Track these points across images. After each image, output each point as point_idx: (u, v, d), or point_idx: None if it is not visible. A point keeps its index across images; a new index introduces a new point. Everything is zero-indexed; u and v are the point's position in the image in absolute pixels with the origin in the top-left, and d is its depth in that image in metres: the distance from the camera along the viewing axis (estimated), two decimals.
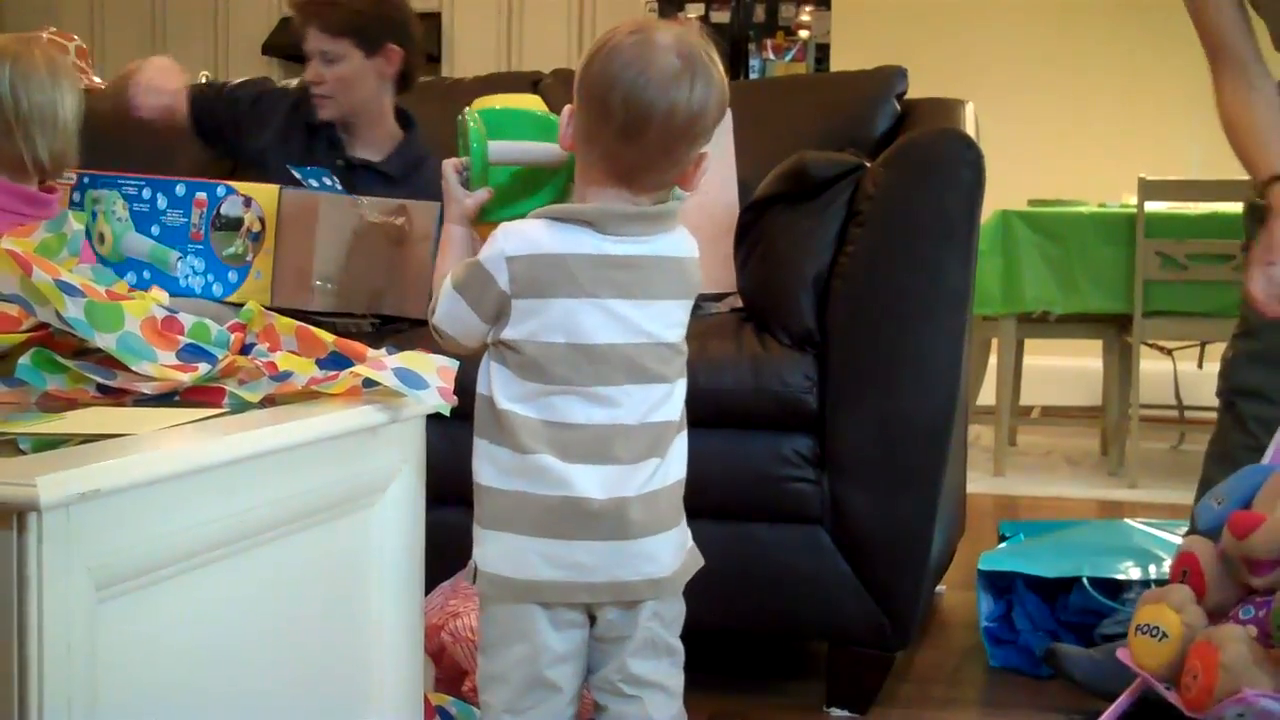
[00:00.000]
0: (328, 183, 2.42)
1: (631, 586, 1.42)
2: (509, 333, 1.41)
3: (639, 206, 1.42)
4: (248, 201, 2.33)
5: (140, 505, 1.05)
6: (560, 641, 1.43)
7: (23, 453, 1.10)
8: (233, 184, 2.36)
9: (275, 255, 2.31)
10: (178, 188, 2.37)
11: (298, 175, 2.39)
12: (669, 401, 1.44)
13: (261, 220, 2.31)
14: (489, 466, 1.43)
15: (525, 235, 1.40)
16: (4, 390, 1.35)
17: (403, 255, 2.37)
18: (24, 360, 1.35)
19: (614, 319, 1.40)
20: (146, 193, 2.39)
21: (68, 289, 1.35)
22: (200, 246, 2.35)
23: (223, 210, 2.34)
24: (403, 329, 2.50)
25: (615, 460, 1.40)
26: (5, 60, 2.04)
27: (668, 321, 1.44)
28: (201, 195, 2.35)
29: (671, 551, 1.44)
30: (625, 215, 1.41)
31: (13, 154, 2.05)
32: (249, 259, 2.32)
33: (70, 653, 0.98)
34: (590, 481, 1.39)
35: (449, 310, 1.43)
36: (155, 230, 2.37)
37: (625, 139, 1.38)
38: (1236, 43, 2.06)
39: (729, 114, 2.02)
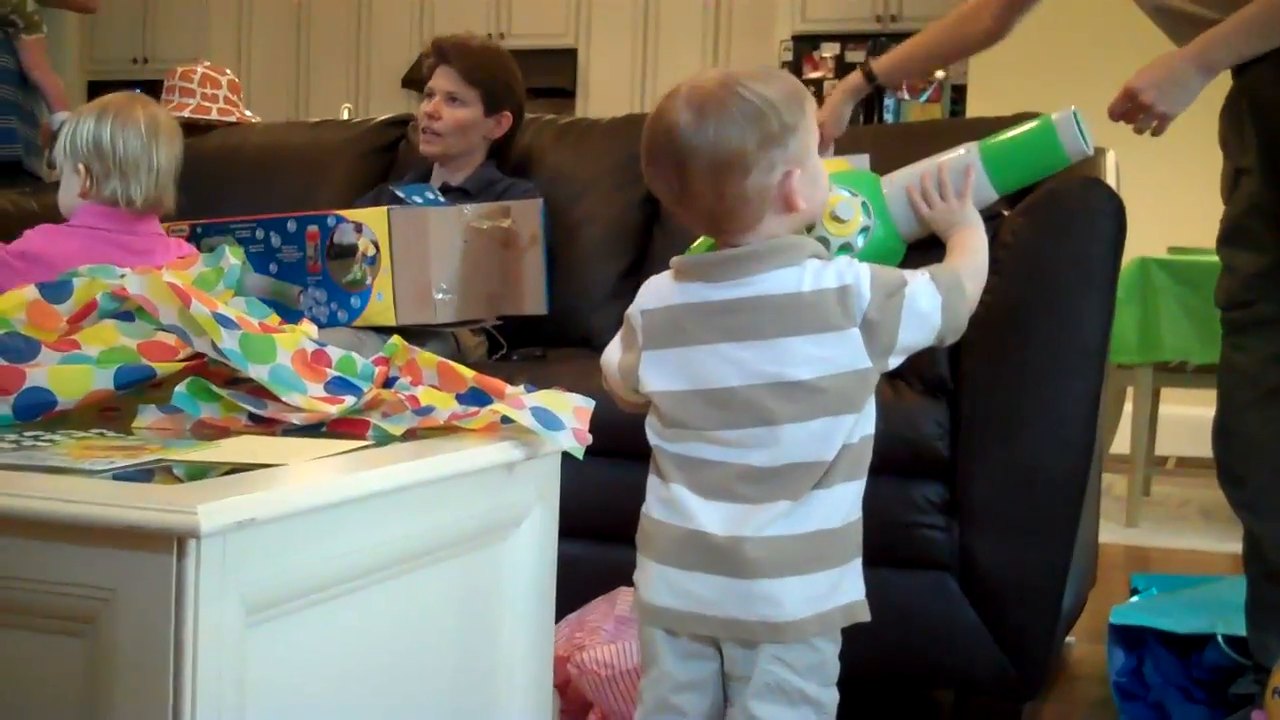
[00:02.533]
0: (430, 197, 2.48)
1: (745, 625, 1.41)
2: (643, 386, 1.48)
3: (731, 250, 1.44)
4: (359, 227, 2.35)
5: (290, 534, 1.09)
6: (684, 670, 1.46)
7: (178, 479, 1.14)
8: (341, 213, 2.39)
9: (393, 274, 2.33)
10: (289, 224, 2.41)
11: (400, 194, 2.45)
12: (811, 443, 1.41)
13: (375, 243, 2.34)
14: (648, 493, 1.48)
15: (649, 289, 1.50)
16: (161, 417, 1.40)
17: (513, 257, 2.43)
18: (180, 389, 1.40)
19: (728, 362, 1.42)
20: (259, 233, 2.43)
21: (224, 321, 1.41)
22: (319, 278, 2.39)
23: (335, 239, 2.37)
24: (538, 355, 2.55)
25: (739, 499, 1.41)
26: (109, 113, 2.31)
27: (792, 359, 1.41)
28: (313, 228, 2.39)
29: (799, 598, 1.41)
30: (709, 261, 1.45)
31: (109, 194, 2.29)
32: (368, 283, 2.35)
33: (221, 674, 1.01)
34: (712, 516, 1.41)
35: None
36: (273, 268, 2.41)
37: (667, 194, 1.45)
38: None
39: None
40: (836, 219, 1.68)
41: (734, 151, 1.39)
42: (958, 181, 1.69)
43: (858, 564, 1.46)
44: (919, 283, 1.44)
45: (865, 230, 1.70)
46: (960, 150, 1.71)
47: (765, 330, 1.41)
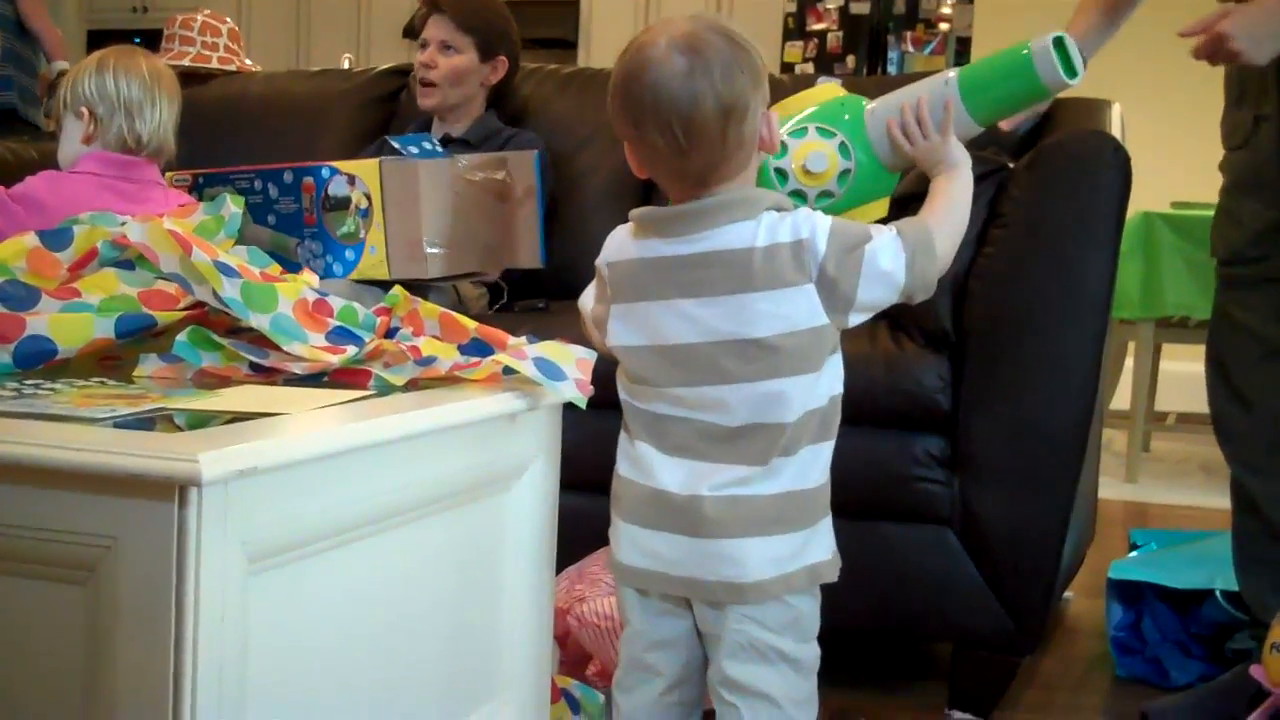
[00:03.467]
0: (427, 147, 2.45)
1: (707, 586, 1.40)
2: (610, 339, 1.47)
3: (687, 204, 1.40)
4: (352, 179, 2.33)
5: (292, 483, 1.09)
6: (655, 628, 1.46)
7: (179, 428, 1.14)
8: (335, 164, 2.37)
9: (385, 228, 2.31)
10: (286, 175, 2.39)
11: (396, 145, 2.44)
12: (768, 404, 1.37)
13: (367, 196, 2.31)
14: (619, 450, 1.47)
15: (613, 240, 1.48)
16: (162, 366, 1.39)
17: (509, 209, 2.42)
18: (181, 337, 1.40)
19: (685, 319, 1.40)
20: (258, 184, 2.42)
21: (225, 269, 1.40)
22: (315, 230, 2.37)
23: (330, 191, 2.35)
24: (540, 307, 2.55)
25: (701, 457, 1.39)
26: (109, 62, 2.34)
27: (748, 316, 1.37)
28: (309, 179, 2.37)
29: (761, 559, 1.38)
30: (665, 216, 1.42)
31: (115, 136, 2.31)
32: (362, 236, 2.33)
33: (223, 622, 1.02)
34: (674, 474, 1.40)
35: None
36: (271, 219, 2.40)
37: (665, 148, 1.39)
38: None
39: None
40: (808, 172, 1.65)
41: (738, 93, 1.36)
42: (937, 115, 1.62)
43: (826, 523, 1.44)
44: (883, 239, 1.39)
45: (845, 174, 1.65)
46: (940, 80, 1.66)
47: (720, 286, 1.38)
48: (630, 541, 1.44)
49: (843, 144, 1.65)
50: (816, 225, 1.37)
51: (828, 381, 1.41)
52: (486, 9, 2.84)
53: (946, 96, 1.62)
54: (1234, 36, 1.83)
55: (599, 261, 1.49)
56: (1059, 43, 1.63)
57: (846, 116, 1.68)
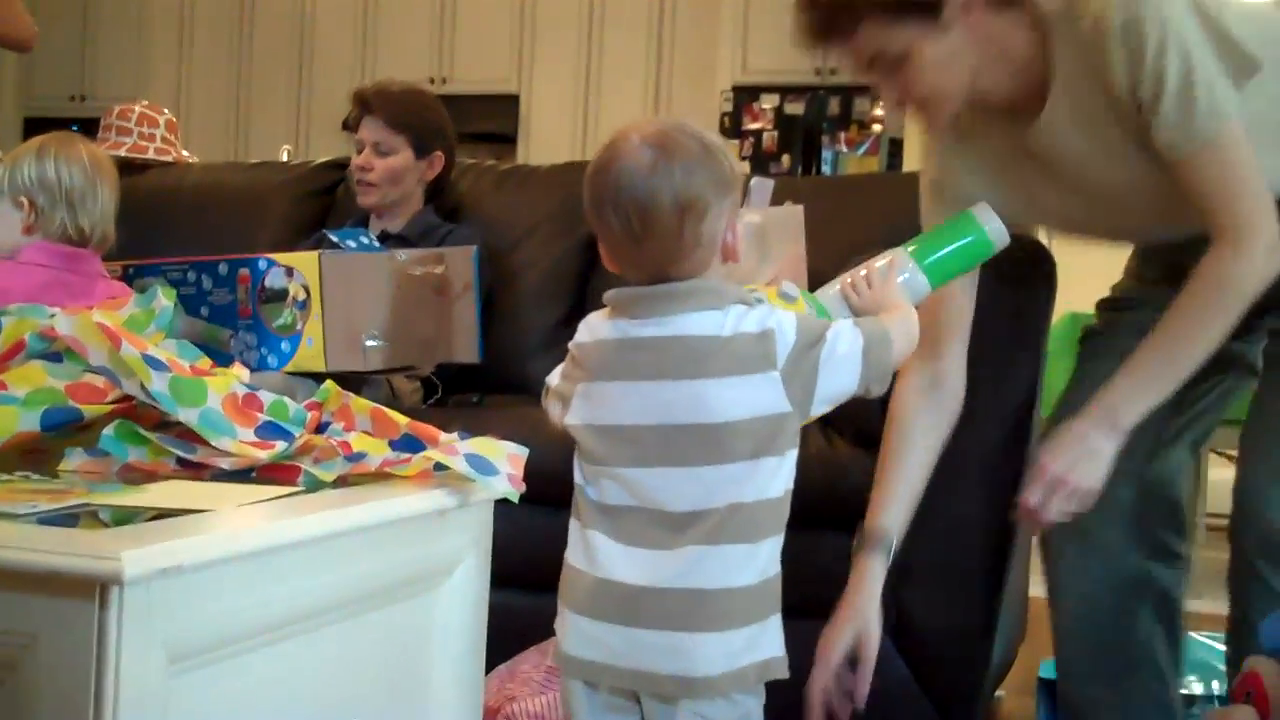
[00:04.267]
0: (365, 241, 2.47)
1: (657, 679, 1.39)
2: (569, 417, 1.47)
3: (658, 286, 1.42)
4: (290, 271, 2.32)
5: (217, 581, 1.07)
6: None
7: (104, 524, 1.13)
8: (273, 256, 2.37)
9: (324, 320, 2.30)
10: (220, 267, 2.38)
11: (334, 239, 2.44)
12: (724, 487, 1.38)
13: (305, 288, 2.31)
14: (569, 538, 1.46)
15: (586, 323, 1.49)
16: (88, 460, 1.38)
17: (446, 303, 2.43)
18: (108, 431, 1.38)
19: (645, 400, 1.41)
20: (191, 275, 2.41)
21: (154, 363, 1.39)
22: (250, 322, 2.35)
23: (267, 283, 2.34)
24: (474, 402, 2.54)
25: (653, 545, 1.39)
26: (49, 149, 2.33)
27: (707, 402, 1.38)
28: (244, 271, 2.36)
29: (713, 654, 1.38)
30: (633, 297, 1.43)
31: (56, 227, 2.29)
32: (299, 328, 2.32)
33: None
34: (626, 565, 1.40)
35: None
36: (204, 311, 2.38)
37: (624, 236, 1.42)
38: None
39: (800, 209, 2.05)
40: (786, 297, 1.69)
41: (696, 193, 1.39)
42: (883, 273, 1.67)
43: (777, 620, 1.44)
44: (841, 327, 1.43)
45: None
46: (886, 257, 1.72)
47: (683, 370, 1.40)
48: (578, 632, 1.43)
49: (803, 299, 1.70)
50: (783, 319, 1.41)
51: (786, 472, 1.43)
52: (418, 106, 2.86)
53: (898, 260, 1.68)
54: (1052, 466, 1.76)
55: (571, 344, 1.50)
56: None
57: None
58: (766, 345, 1.39)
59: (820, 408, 1.43)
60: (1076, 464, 1.74)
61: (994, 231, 1.72)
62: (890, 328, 1.49)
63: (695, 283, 1.42)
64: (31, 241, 2.27)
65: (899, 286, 1.63)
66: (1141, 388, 1.75)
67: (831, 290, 1.71)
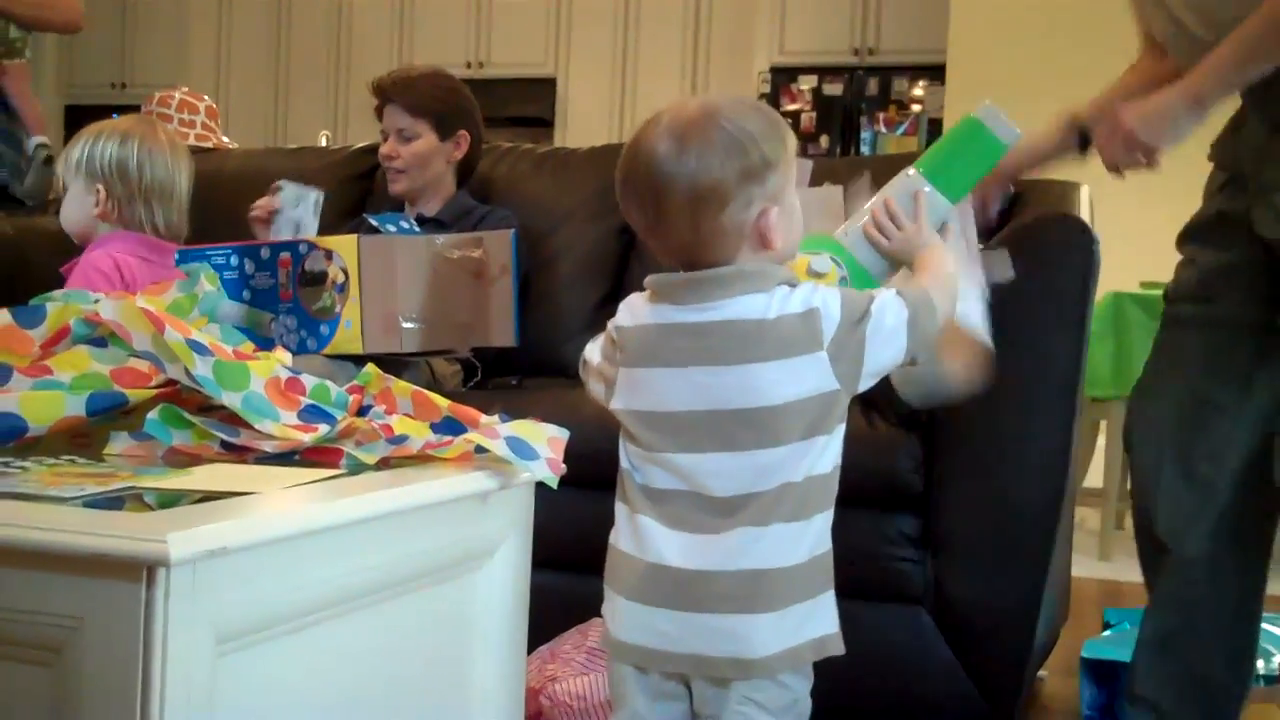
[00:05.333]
0: (405, 225, 2.48)
1: (712, 662, 1.38)
2: (614, 401, 1.46)
3: (703, 271, 1.41)
4: (329, 254, 2.33)
5: (261, 562, 1.08)
6: (654, 712, 1.43)
7: (149, 507, 1.14)
8: (312, 240, 2.38)
9: (361, 302, 2.31)
10: (262, 251, 2.39)
11: (374, 223, 2.45)
12: (775, 470, 1.38)
13: (345, 271, 2.31)
14: (616, 522, 1.45)
15: (627, 305, 1.47)
16: (133, 444, 1.39)
17: (484, 287, 2.43)
18: (152, 415, 1.39)
19: (693, 387, 1.40)
20: (234, 259, 2.42)
21: (197, 348, 1.40)
22: (291, 305, 2.36)
23: (307, 266, 2.35)
24: (513, 385, 2.55)
25: (702, 530, 1.39)
26: (134, 138, 2.32)
27: (757, 385, 1.38)
28: (285, 255, 2.37)
29: (767, 634, 1.37)
30: (678, 282, 1.42)
31: (134, 220, 2.32)
32: (338, 310, 2.32)
33: (190, 703, 1.01)
34: (676, 548, 1.39)
35: None
36: (246, 295, 2.39)
37: (641, 222, 1.43)
38: None
39: (839, 190, 2.04)
40: (815, 273, 1.68)
41: (713, 183, 1.37)
42: (907, 206, 1.66)
43: (829, 596, 1.43)
44: (885, 298, 1.41)
45: (843, 281, 1.70)
46: (901, 176, 1.71)
47: (730, 356, 1.39)
48: (629, 617, 1.42)
49: (831, 258, 1.69)
50: (827, 297, 1.39)
51: (835, 448, 1.42)
52: (437, 88, 2.86)
53: (912, 188, 1.66)
54: (1127, 121, 1.87)
55: (610, 324, 1.49)
56: (995, 109, 1.73)
57: (822, 243, 1.72)
58: (812, 325, 1.38)
59: (868, 382, 1.42)
60: (1149, 121, 1.84)
61: (1002, 131, 1.70)
62: (933, 291, 1.47)
63: (738, 267, 1.41)
64: (112, 230, 2.28)
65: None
66: (1226, 66, 1.82)
67: (855, 234, 1.68)
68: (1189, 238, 2.06)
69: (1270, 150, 1.87)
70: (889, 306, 1.41)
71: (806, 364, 1.38)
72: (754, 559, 1.38)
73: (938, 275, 1.54)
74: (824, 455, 1.41)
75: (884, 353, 1.41)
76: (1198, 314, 2.01)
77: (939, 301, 1.46)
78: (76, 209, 2.33)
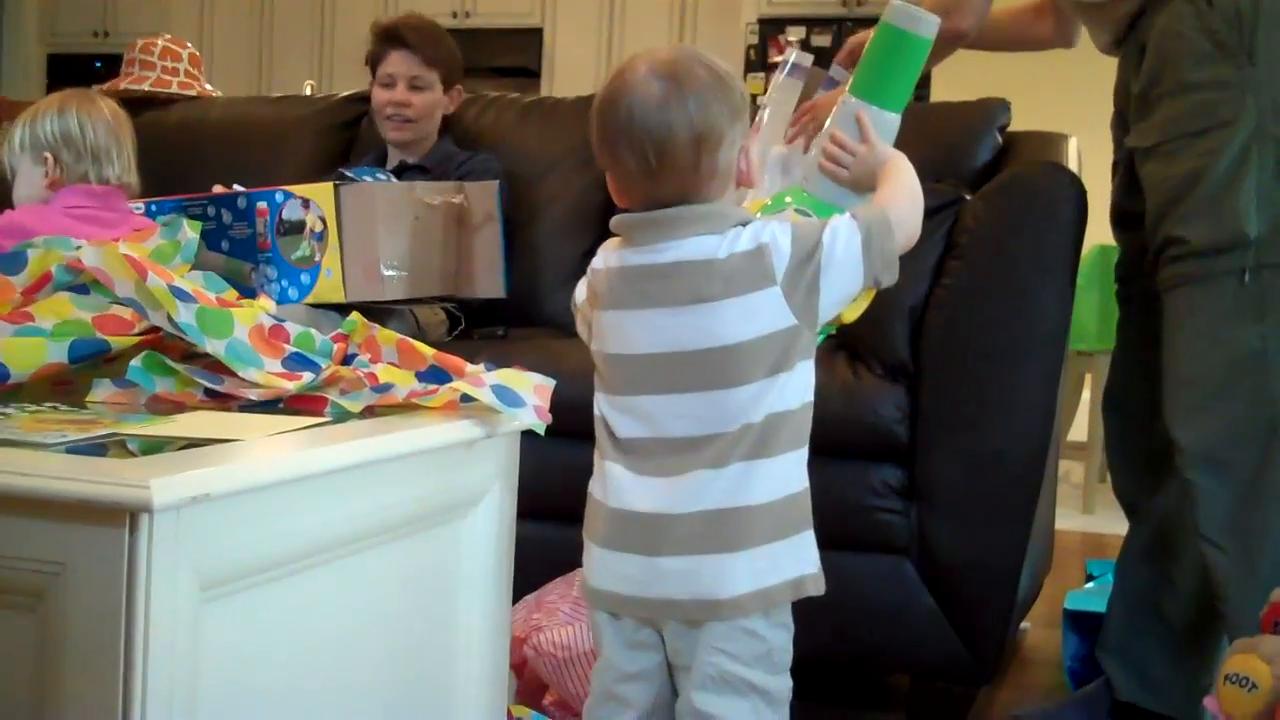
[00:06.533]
0: (381, 177, 2.47)
1: (681, 605, 1.38)
2: (593, 343, 1.47)
3: (657, 211, 1.40)
4: (306, 203, 2.31)
5: (245, 509, 1.08)
6: (628, 660, 1.44)
7: (132, 454, 1.13)
8: (289, 188, 2.36)
9: (341, 251, 2.29)
10: (239, 200, 2.38)
11: (351, 177, 2.44)
12: (737, 409, 1.37)
13: (322, 219, 2.30)
14: (593, 473, 1.46)
15: (601, 250, 1.47)
16: (115, 391, 1.38)
17: (467, 235, 2.42)
18: (135, 362, 1.39)
19: (650, 328, 1.40)
20: (210, 210, 2.40)
21: (180, 294, 1.39)
22: (270, 254, 2.35)
23: (284, 215, 2.34)
24: (499, 335, 2.54)
25: (667, 473, 1.38)
26: (70, 105, 2.36)
27: (711, 325, 1.37)
28: (262, 204, 2.35)
29: (738, 574, 1.36)
30: (635, 222, 1.41)
31: (80, 176, 2.33)
32: (317, 259, 2.31)
33: (174, 650, 1.01)
34: (643, 493, 1.39)
35: None
36: (225, 245, 2.38)
37: (637, 170, 1.40)
38: None
39: (798, 146, 2.02)
40: (773, 211, 1.67)
41: (712, 122, 1.37)
42: (853, 131, 1.62)
43: (807, 536, 1.42)
44: (837, 225, 1.39)
45: None
46: (839, 106, 1.68)
47: (684, 296, 1.38)
48: (600, 564, 1.42)
49: (797, 209, 1.66)
50: (777, 231, 1.38)
51: (799, 384, 1.40)
52: (446, 41, 2.89)
53: (852, 112, 1.64)
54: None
55: (589, 267, 1.50)
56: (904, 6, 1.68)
57: (787, 199, 1.69)
58: (763, 260, 1.37)
59: (829, 313, 1.40)
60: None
61: (920, 26, 1.65)
62: (889, 208, 1.45)
63: (696, 207, 1.40)
64: (60, 192, 2.29)
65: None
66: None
67: (814, 175, 1.65)
68: (1112, 223, 2.11)
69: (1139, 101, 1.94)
70: (840, 233, 1.39)
71: (760, 300, 1.37)
72: (712, 499, 1.37)
73: (897, 189, 1.51)
74: (786, 392, 1.39)
75: (840, 281, 1.39)
76: (1132, 293, 2.10)
77: (898, 216, 1.44)
78: (27, 185, 2.35)
